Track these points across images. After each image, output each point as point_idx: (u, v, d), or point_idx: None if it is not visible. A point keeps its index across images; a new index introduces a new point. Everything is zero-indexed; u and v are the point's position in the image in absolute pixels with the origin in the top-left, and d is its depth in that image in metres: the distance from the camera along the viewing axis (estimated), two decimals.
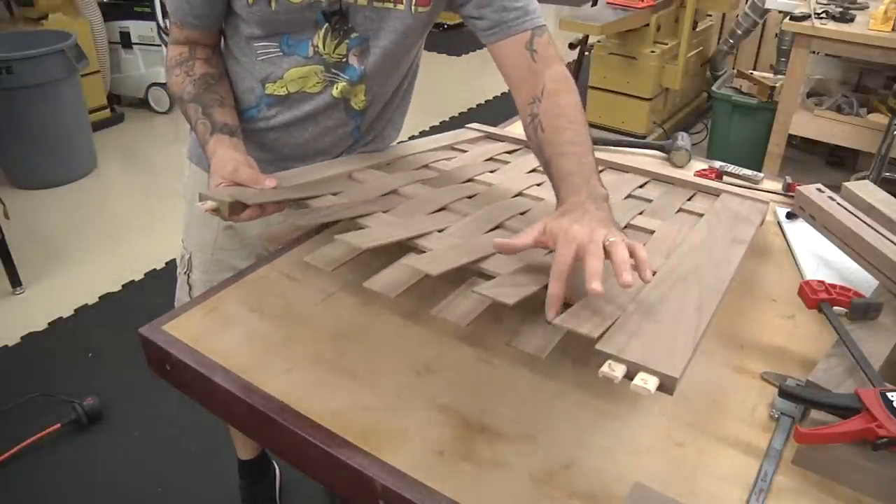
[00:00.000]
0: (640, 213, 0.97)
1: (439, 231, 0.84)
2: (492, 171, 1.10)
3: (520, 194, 1.01)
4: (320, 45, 0.99)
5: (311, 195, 0.92)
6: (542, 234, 0.72)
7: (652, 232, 0.91)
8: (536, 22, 0.96)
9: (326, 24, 0.98)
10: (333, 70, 1.02)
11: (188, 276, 1.21)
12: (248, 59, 1.03)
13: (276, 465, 1.66)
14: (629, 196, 1.05)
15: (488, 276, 0.75)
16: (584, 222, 0.70)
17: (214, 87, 1.01)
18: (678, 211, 1.01)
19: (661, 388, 0.58)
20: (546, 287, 0.69)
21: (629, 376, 0.58)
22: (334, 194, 0.94)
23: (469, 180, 1.06)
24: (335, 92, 1.04)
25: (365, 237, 0.78)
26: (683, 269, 0.78)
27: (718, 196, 1.07)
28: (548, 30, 0.98)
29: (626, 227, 0.92)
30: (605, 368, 0.59)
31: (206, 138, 0.97)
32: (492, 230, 0.87)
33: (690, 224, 0.94)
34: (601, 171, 1.14)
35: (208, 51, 1.05)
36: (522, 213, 0.93)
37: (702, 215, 0.98)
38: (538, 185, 1.05)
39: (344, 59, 1.01)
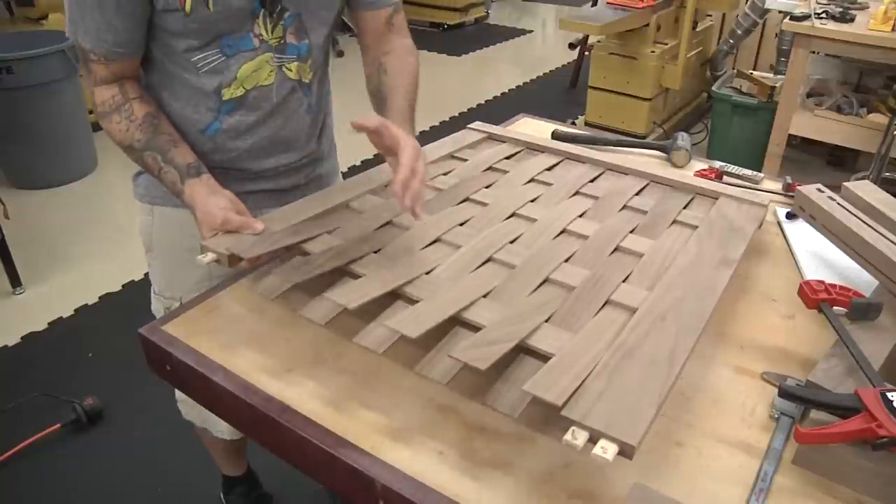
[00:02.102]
0: (633, 231, 0.97)
1: (427, 273, 0.85)
2: (488, 187, 1.10)
3: (513, 215, 1.01)
4: (263, 33, 0.99)
5: (306, 238, 0.92)
6: (383, 127, 0.88)
7: (641, 255, 0.91)
8: None
9: (262, 10, 0.97)
10: (277, 55, 1.02)
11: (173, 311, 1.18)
12: (191, 74, 0.99)
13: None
14: (625, 207, 1.05)
15: (470, 325, 0.77)
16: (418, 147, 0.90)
17: (161, 127, 0.99)
18: (672, 223, 1.00)
19: (620, 453, 0.59)
20: (516, 346, 0.72)
21: (593, 440, 0.60)
22: (329, 232, 0.94)
23: (465, 200, 1.05)
24: (291, 74, 1.04)
25: (352, 295, 0.79)
26: (664, 304, 0.78)
27: (717, 199, 1.07)
28: (402, 7, 1.15)
29: (615, 249, 0.92)
30: (567, 436, 0.60)
31: (178, 188, 0.96)
32: (480, 266, 0.88)
33: (682, 241, 0.94)
34: (601, 174, 1.16)
35: (137, 86, 1.00)
36: (512, 242, 0.93)
37: (696, 227, 0.98)
38: (532, 200, 1.05)
39: (282, 41, 1.01)
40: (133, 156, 1.00)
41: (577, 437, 0.60)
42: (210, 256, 0.87)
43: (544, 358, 0.71)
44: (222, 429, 1.27)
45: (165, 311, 1.17)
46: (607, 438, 0.59)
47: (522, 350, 0.74)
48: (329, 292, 0.80)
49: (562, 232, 0.97)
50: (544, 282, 0.85)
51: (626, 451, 0.59)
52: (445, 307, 0.77)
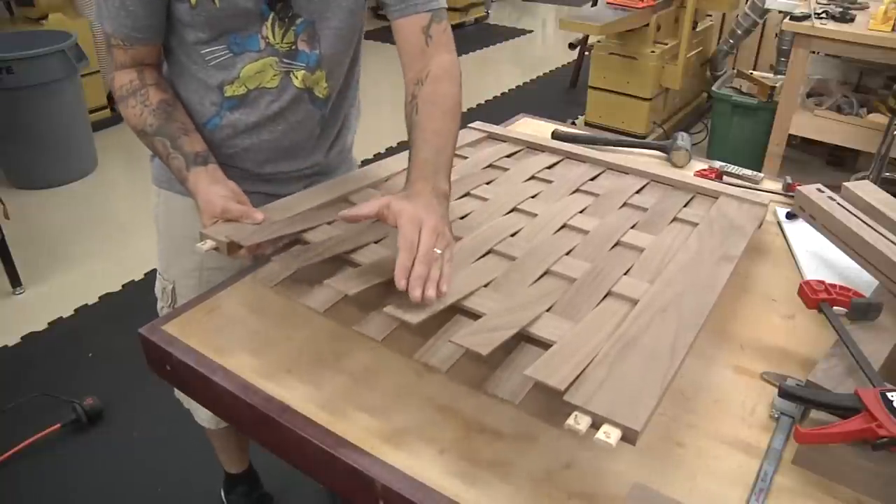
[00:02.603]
0: (633, 227, 0.97)
1: None
2: (488, 183, 1.10)
3: (514, 210, 1.01)
4: (270, 36, 0.99)
5: (306, 227, 0.92)
6: (384, 209, 0.82)
7: (642, 250, 0.91)
8: (439, 4, 1.03)
9: (272, 14, 0.97)
10: (286, 60, 1.01)
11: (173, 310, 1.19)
12: (199, 66, 1.01)
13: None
14: (625, 205, 1.05)
15: (471, 314, 0.77)
16: (427, 211, 0.81)
17: (174, 115, 1.00)
18: (672, 220, 1.00)
19: (623, 438, 0.59)
20: (517, 334, 0.72)
21: (595, 426, 0.60)
22: (329, 223, 0.94)
23: (466, 194, 1.06)
24: (297, 82, 1.03)
25: (352, 282, 0.79)
26: (665, 298, 0.79)
27: (717, 199, 1.07)
28: (447, 17, 1.04)
29: (616, 244, 0.93)
30: (570, 421, 0.60)
31: (183, 174, 0.97)
32: (481, 257, 0.88)
33: (683, 237, 0.94)
34: (601, 173, 1.16)
35: (156, 73, 1.02)
36: (513, 235, 0.93)
37: (696, 224, 0.98)
38: (533, 197, 1.05)
39: (293, 47, 1.01)
40: (145, 140, 1.01)
41: (580, 422, 0.60)
42: (209, 244, 0.87)
43: (545, 346, 0.70)
44: (202, 416, 1.28)
45: (163, 292, 1.21)
46: (610, 423, 0.59)
47: (523, 338, 0.74)
48: (329, 280, 0.80)
49: (562, 227, 0.97)
50: (545, 273, 0.85)
51: (629, 437, 0.59)
52: (446, 295, 0.77)
